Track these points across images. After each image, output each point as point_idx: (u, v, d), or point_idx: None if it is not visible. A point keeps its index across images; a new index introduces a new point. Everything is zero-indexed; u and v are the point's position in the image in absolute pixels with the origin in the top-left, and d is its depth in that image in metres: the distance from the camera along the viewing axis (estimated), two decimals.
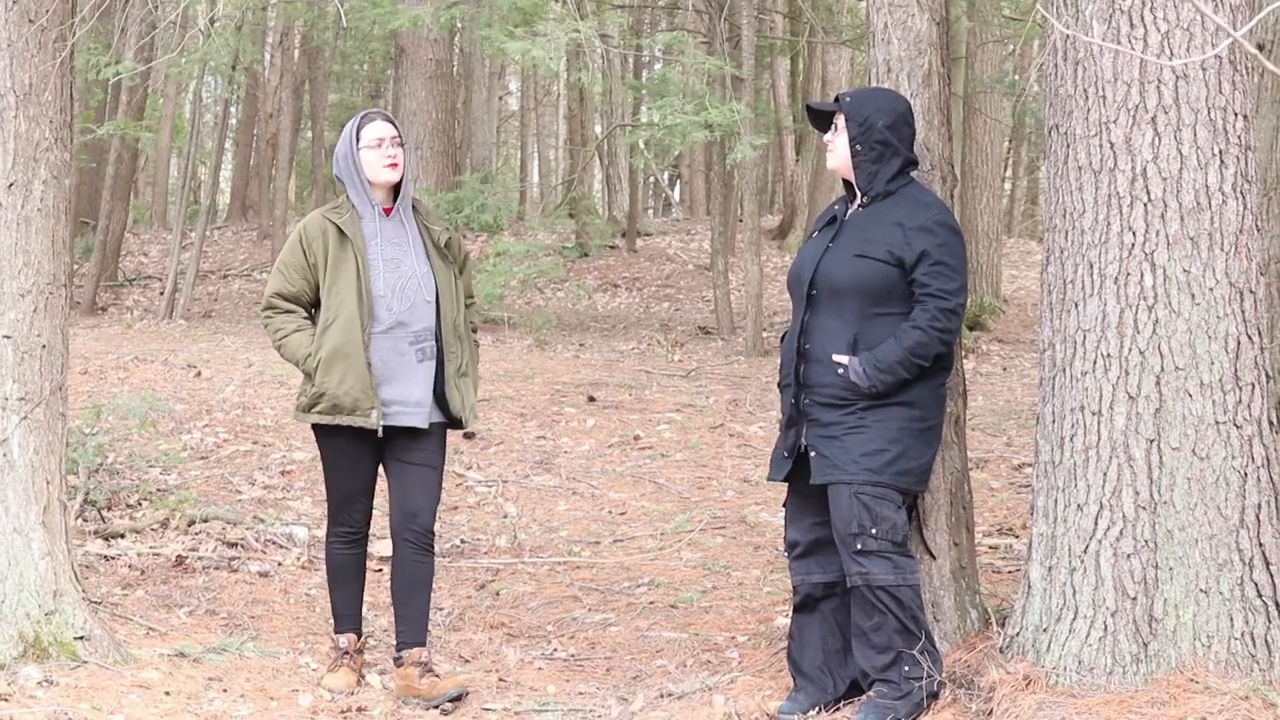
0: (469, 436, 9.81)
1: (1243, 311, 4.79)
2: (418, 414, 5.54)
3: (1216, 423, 4.75)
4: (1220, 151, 4.78)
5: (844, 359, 5.01)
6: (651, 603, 6.87)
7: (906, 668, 4.96)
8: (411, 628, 5.61)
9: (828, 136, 5.27)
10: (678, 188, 30.86)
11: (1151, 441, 4.76)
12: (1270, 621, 4.74)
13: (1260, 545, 4.76)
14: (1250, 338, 4.80)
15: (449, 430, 5.71)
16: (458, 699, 5.44)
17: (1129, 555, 4.77)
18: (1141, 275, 4.78)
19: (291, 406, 10.16)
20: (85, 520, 7.68)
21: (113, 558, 7.28)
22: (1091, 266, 4.86)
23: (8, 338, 5.53)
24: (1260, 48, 6.54)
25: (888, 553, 4.97)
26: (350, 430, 5.54)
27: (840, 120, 5.20)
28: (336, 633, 5.77)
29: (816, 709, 5.12)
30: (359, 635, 5.79)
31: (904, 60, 5.43)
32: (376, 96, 26.74)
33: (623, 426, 10.36)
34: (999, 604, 5.69)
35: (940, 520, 5.41)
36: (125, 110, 18.46)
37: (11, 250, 5.55)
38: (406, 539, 5.59)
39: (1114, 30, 4.79)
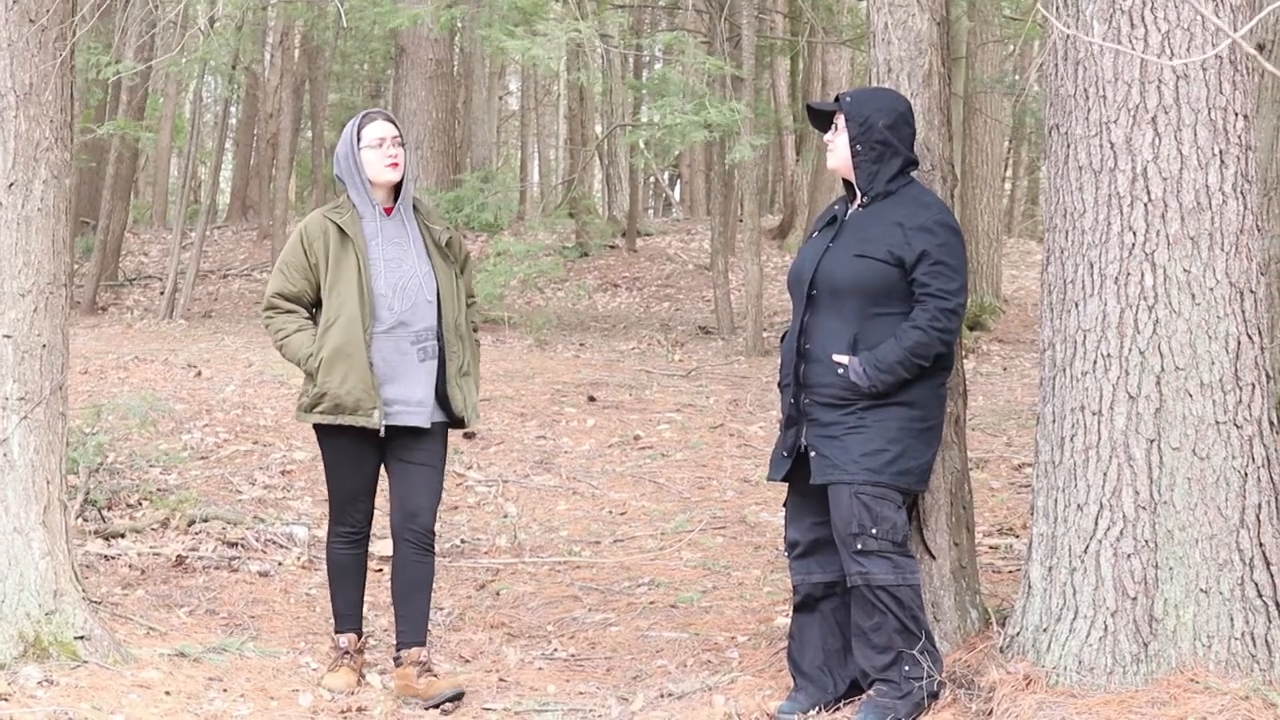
0: (469, 436, 9.81)
1: (1243, 311, 4.79)
2: (420, 413, 5.54)
3: (1217, 423, 4.75)
4: (1220, 151, 4.78)
5: (844, 359, 5.01)
6: (651, 603, 6.87)
7: (906, 667, 4.96)
8: (411, 627, 5.61)
9: (828, 136, 5.27)
10: (678, 187, 30.85)
11: (1152, 441, 4.77)
12: (1270, 621, 4.74)
13: (1260, 545, 4.76)
14: (1250, 338, 4.80)
15: (450, 430, 5.71)
16: (455, 699, 5.44)
17: (1129, 555, 4.77)
18: (1142, 275, 4.78)
19: (291, 406, 10.20)
20: (85, 520, 7.68)
21: (113, 557, 7.29)
22: (1092, 266, 4.86)
23: (8, 337, 5.53)
24: (1260, 48, 6.53)
25: (888, 553, 4.97)
26: (352, 430, 5.54)
27: (840, 120, 5.20)
28: (337, 632, 5.78)
29: (816, 709, 5.12)
30: (359, 635, 5.79)
31: (904, 60, 5.43)
32: (377, 96, 26.74)
33: (623, 426, 10.36)
34: (999, 604, 5.69)
35: (940, 520, 5.41)
36: (125, 110, 18.46)
37: (12, 250, 5.55)
38: (407, 539, 5.59)
39: (1114, 30, 4.79)
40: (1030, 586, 5.02)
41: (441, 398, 5.60)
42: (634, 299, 18.98)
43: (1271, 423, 4.84)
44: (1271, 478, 4.81)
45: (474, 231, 17.64)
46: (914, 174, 5.23)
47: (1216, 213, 4.77)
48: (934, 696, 4.98)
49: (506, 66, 29.45)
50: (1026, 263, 21.16)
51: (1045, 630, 4.91)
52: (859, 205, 5.20)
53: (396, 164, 5.61)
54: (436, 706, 5.41)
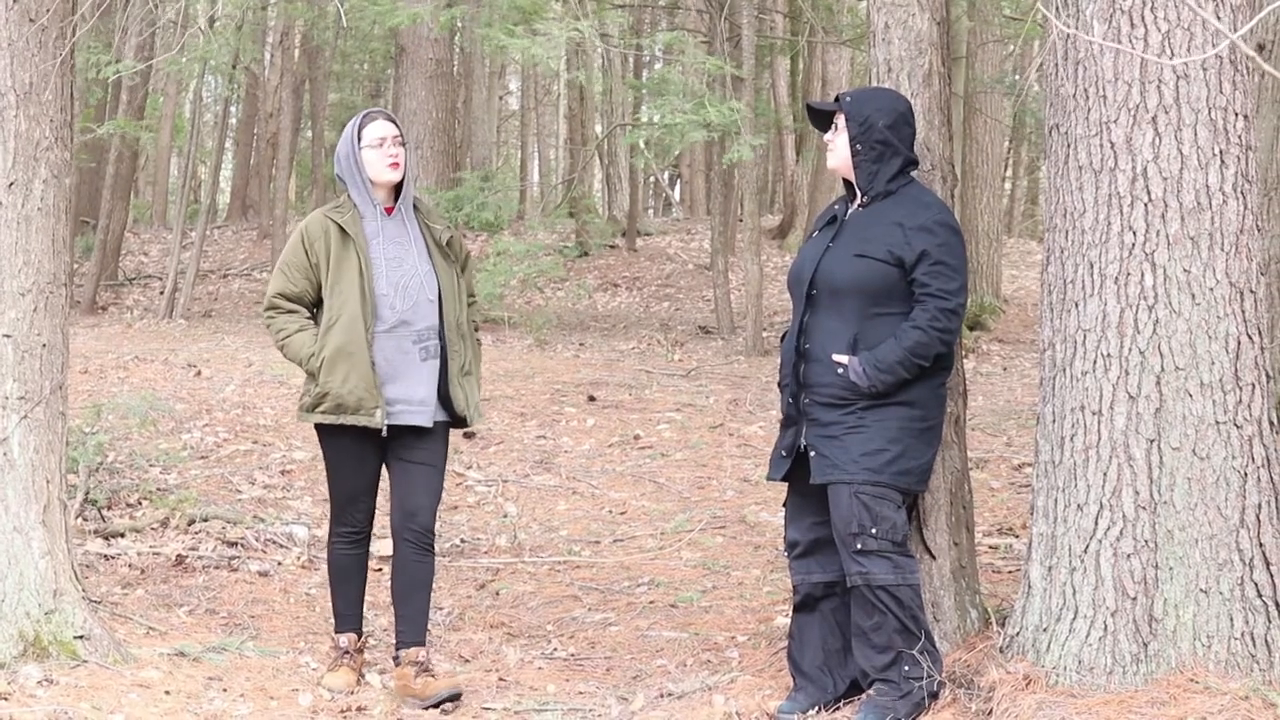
0: (469, 436, 9.81)
1: (1243, 311, 4.79)
2: (422, 413, 5.54)
3: (1217, 423, 4.75)
4: (1221, 151, 4.78)
5: (844, 359, 5.01)
6: (651, 602, 6.87)
7: (906, 667, 4.96)
8: (411, 627, 5.61)
9: (828, 136, 5.27)
10: (678, 187, 30.86)
11: (1152, 441, 4.76)
12: (1270, 621, 4.74)
13: (1260, 545, 4.76)
14: (1250, 338, 4.80)
15: (451, 429, 5.71)
16: (453, 699, 5.43)
17: (1129, 555, 4.77)
18: (1142, 275, 4.78)
19: (291, 406, 10.20)
20: (85, 519, 7.68)
21: (113, 557, 7.28)
22: (1092, 266, 4.86)
23: (8, 337, 5.53)
24: (1260, 48, 6.53)
25: (888, 552, 4.97)
26: (354, 430, 5.54)
27: (840, 120, 5.20)
28: (337, 632, 5.77)
29: (816, 708, 5.12)
30: (359, 635, 5.79)
31: (904, 60, 5.43)
32: (377, 96, 26.74)
33: (623, 426, 10.36)
34: (999, 604, 5.69)
35: (940, 520, 5.41)
36: (125, 109, 18.47)
37: (12, 249, 5.55)
38: (406, 538, 5.59)
39: (1114, 30, 4.79)
40: (1030, 586, 5.02)
41: (444, 397, 5.60)
42: (634, 299, 18.98)
43: (1271, 423, 4.84)
44: (1271, 478, 4.81)
45: (474, 231, 17.64)
46: (914, 174, 5.23)
47: (1216, 213, 4.77)
48: (934, 696, 4.98)
49: (506, 66, 29.46)
50: (1026, 263, 21.16)
51: (1045, 630, 4.91)
52: (859, 205, 5.20)
53: (397, 164, 5.61)
54: (435, 706, 5.40)
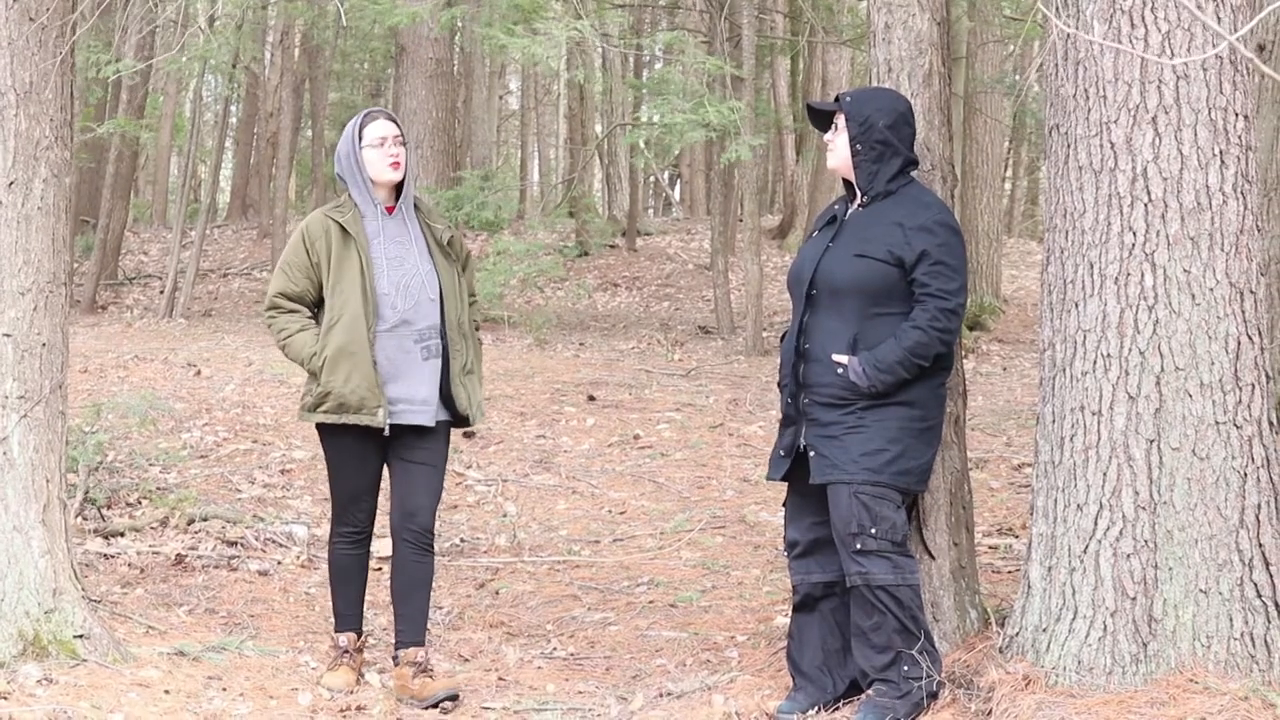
0: (469, 436, 9.81)
1: (1243, 312, 4.79)
2: (424, 412, 5.54)
3: (1216, 423, 4.75)
4: (1221, 152, 4.78)
5: (844, 359, 5.01)
6: (651, 602, 6.87)
7: (906, 667, 4.96)
8: (410, 627, 5.61)
9: (828, 136, 5.27)
10: (678, 187, 30.86)
11: (1151, 442, 4.76)
12: (1270, 622, 4.74)
13: (1260, 545, 4.76)
14: (1250, 338, 4.80)
15: (453, 428, 5.71)
16: (451, 699, 5.43)
17: (1129, 555, 4.77)
18: (1142, 275, 4.78)
19: (291, 406, 10.20)
20: (85, 518, 7.68)
21: (112, 556, 7.28)
22: (1092, 266, 4.86)
23: (8, 336, 5.53)
24: (1261, 48, 6.53)
25: (887, 552, 4.97)
26: (356, 429, 5.54)
27: (840, 120, 5.20)
28: (336, 632, 5.77)
29: (816, 708, 5.12)
30: (359, 634, 5.78)
31: (905, 60, 5.43)
32: (377, 95, 26.74)
33: (622, 426, 10.36)
34: (999, 604, 5.69)
35: (940, 520, 5.41)
36: (125, 109, 18.47)
37: (12, 248, 5.55)
38: (406, 538, 5.59)
39: (1115, 30, 4.79)
40: (1030, 586, 5.02)
41: (445, 396, 5.60)
42: (634, 298, 18.98)
43: (1271, 423, 4.84)
44: (1271, 478, 4.81)
45: (474, 230, 17.63)
46: (914, 174, 5.23)
47: (1216, 213, 4.77)
48: (933, 696, 4.98)
49: (506, 66, 29.45)
50: (1026, 263, 21.17)
51: (1045, 630, 4.91)
52: (859, 205, 5.20)
53: (398, 163, 5.61)
54: (434, 706, 5.40)
